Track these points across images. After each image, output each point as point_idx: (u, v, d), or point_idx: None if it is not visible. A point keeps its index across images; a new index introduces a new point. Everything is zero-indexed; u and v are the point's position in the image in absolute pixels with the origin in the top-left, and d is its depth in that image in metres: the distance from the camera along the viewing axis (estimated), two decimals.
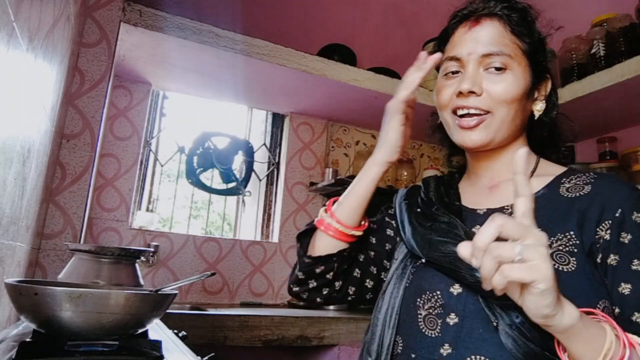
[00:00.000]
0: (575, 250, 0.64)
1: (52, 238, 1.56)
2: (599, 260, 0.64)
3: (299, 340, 1.76)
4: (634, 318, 0.60)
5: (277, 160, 2.65)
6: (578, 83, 1.89)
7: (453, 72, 0.75)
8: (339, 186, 2.39)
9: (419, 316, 0.71)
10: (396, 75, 2.42)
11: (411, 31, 2.86)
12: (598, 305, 0.62)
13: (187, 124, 2.54)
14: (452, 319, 0.67)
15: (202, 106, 2.58)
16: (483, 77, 0.72)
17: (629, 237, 0.63)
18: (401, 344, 0.72)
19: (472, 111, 0.72)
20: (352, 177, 2.50)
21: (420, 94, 2.36)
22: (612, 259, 0.63)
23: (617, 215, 0.64)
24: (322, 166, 2.63)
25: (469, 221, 0.76)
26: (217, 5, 2.32)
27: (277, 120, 2.70)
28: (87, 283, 1.00)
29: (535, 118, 0.76)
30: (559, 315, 0.51)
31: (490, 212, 0.75)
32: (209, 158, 2.45)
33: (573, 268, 0.63)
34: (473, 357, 0.63)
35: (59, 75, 1.32)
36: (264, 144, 2.66)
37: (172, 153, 2.44)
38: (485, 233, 0.48)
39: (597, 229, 0.65)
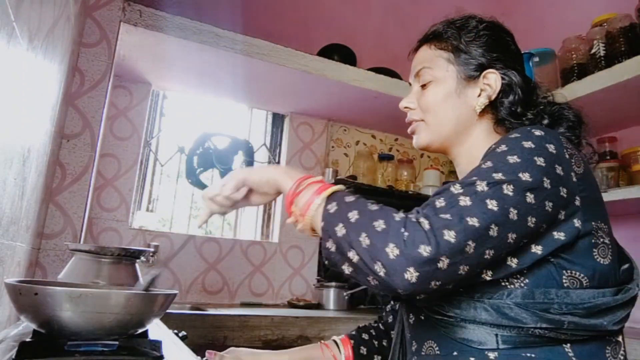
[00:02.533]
0: None
1: (52, 238, 1.56)
2: None
3: (299, 340, 1.76)
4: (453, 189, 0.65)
5: (277, 160, 2.65)
6: (578, 83, 1.88)
7: None
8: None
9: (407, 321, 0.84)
10: (396, 75, 2.42)
11: (411, 31, 2.85)
12: None
13: (187, 124, 2.54)
14: (411, 318, 0.79)
15: (202, 106, 2.58)
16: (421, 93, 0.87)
17: (485, 162, 0.68)
18: None
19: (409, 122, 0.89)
20: (353, 177, 2.51)
21: None
22: None
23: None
24: (322, 166, 2.62)
25: None
26: (217, 5, 2.32)
27: (277, 120, 2.70)
28: (87, 283, 1.00)
29: (477, 112, 0.82)
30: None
31: None
32: (209, 158, 2.45)
33: None
34: (426, 343, 0.73)
35: (59, 75, 1.32)
36: (264, 144, 2.66)
37: (172, 153, 2.44)
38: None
39: None
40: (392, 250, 0.58)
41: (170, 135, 2.46)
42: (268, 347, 1.76)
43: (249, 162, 2.54)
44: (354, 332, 1.01)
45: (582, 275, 0.66)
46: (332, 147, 2.72)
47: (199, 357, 0.85)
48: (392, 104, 2.38)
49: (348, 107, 2.50)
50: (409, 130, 0.89)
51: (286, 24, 2.56)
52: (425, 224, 0.59)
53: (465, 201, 0.61)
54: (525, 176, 0.63)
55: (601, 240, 0.69)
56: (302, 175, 0.75)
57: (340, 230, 0.64)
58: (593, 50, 1.91)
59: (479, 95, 0.81)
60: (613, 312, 0.66)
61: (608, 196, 1.76)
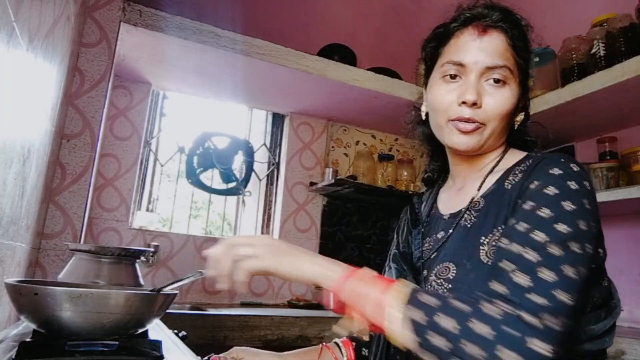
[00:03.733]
0: None
1: (52, 238, 1.56)
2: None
3: (299, 340, 1.76)
4: (500, 264, 0.61)
5: (277, 160, 2.65)
6: (578, 83, 1.88)
7: (452, 76, 0.77)
8: (339, 186, 2.38)
9: None
10: (396, 75, 2.42)
11: (411, 31, 2.86)
12: None
13: (187, 124, 2.54)
14: None
15: (202, 106, 2.58)
16: (483, 88, 0.74)
17: (525, 203, 0.65)
18: None
19: (470, 120, 0.75)
20: (353, 177, 2.51)
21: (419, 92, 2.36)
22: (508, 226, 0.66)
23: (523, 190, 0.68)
24: (322, 166, 2.62)
25: (436, 226, 0.83)
26: (217, 5, 2.32)
27: (277, 120, 2.70)
28: (87, 283, 1.00)
29: (515, 128, 0.80)
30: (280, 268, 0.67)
31: (451, 216, 0.81)
32: (209, 158, 2.45)
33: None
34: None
35: (59, 75, 1.32)
36: (264, 144, 2.66)
37: (172, 153, 2.44)
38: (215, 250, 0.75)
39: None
40: (510, 356, 0.53)
41: (170, 135, 2.46)
42: (268, 347, 1.76)
43: (249, 162, 2.55)
44: (355, 334, 1.00)
45: (595, 299, 0.68)
46: (332, 147, 2.72)
47: (199, 357, 0.85)
48: (392, 104, 2.38)
49: (348, 107, 2.50)
50: (467, 127, 0.74)
51: (286, 24, 2.56)
52: (529, 318, 0.54)
53: (550, 276, 0.57)
54: (581, 224, 0.61)
55: (604, 263, 0.71)
56: (346, 271, 0.65)
57: (445, 345, 0.56)
58: (593, 50, 1.91)
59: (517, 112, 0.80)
60: (610, 333, 0.68)
61: (608, 196, 1.76)
